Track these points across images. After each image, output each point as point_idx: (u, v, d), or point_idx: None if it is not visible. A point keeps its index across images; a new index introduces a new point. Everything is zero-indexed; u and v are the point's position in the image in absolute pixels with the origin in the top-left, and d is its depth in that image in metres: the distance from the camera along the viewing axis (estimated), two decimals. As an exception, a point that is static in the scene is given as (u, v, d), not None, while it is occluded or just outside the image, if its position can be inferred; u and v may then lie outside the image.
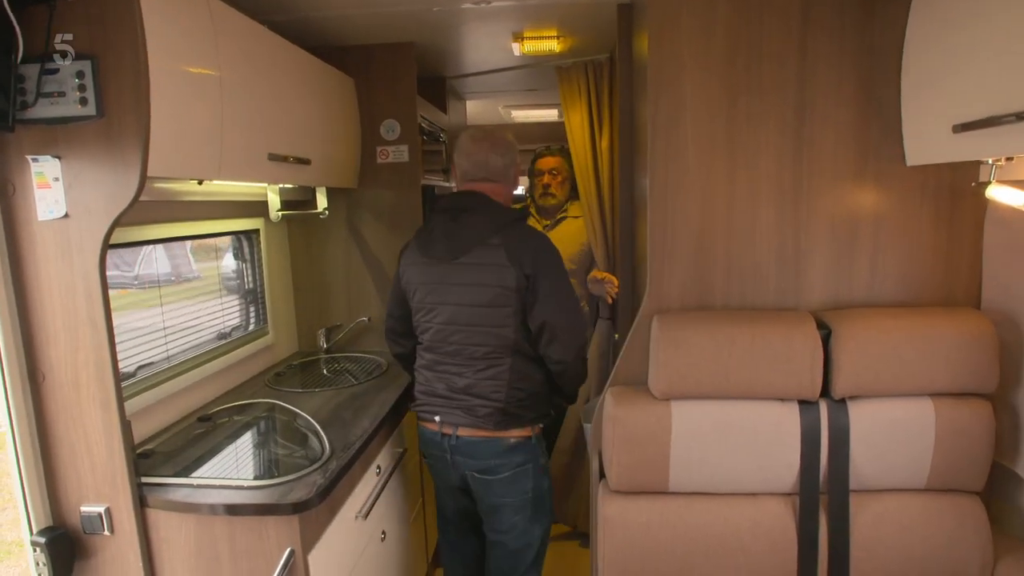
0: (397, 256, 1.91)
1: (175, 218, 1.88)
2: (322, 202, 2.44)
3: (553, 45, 2.50)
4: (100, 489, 1.40)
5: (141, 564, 1.41)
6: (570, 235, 2.76)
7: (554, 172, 2.80)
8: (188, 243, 2.09)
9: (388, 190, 2.57)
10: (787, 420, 1.56)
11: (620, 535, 1.60)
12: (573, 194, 2.77)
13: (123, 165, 1.27)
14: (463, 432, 1.77)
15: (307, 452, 1.64)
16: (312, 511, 1.41)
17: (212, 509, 1.39)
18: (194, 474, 1.50)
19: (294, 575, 1.39)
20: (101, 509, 1.40)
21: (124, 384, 1.62)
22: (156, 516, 1.42)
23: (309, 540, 1.42)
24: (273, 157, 1.78)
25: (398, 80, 2.49)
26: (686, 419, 1.57)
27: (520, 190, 4.59)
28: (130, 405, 1.59)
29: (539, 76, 3.08)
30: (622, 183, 2.24)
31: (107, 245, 1.31)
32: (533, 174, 2.86)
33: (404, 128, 2.52)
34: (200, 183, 1.72)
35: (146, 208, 1.72)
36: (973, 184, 1.59)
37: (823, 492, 1.57)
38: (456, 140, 1.87)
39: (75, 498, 1.41)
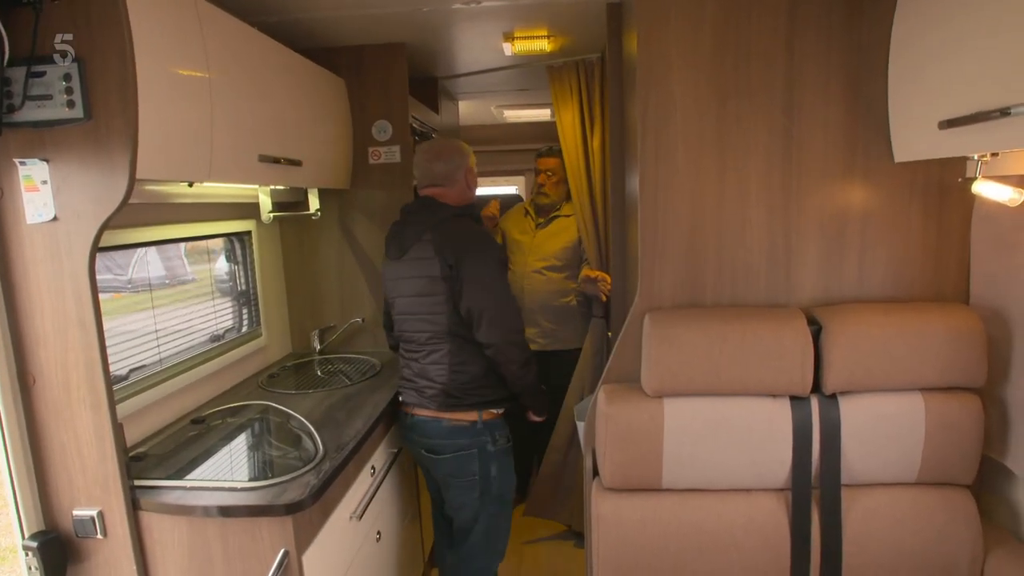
0: None
1: (166, 220, 1.87)
2: (314, 203, 2.44)
3: (544, 45, 2.50)
4: (92, 492, 1.39)
5: (135, 567, 1.41)
6: (558, 233, 2.84)
7: (550, 173, 2.88)
8: (182, 246, 2.08)
9: (380, 191, 2.57)
10: (779, 416, 1.57)
11: (614, 532, 1.61)
12: (568, 197, 2.81)
13: (111, 168, 1.26)
14: (416, 412, 1.95)
15: (300, 453, 1.64)
16: (305, 512, 1.41)
17: (205, 511, 1.39)
18: (187, 476, 1.50)
19: (288, 576, 1.39)
20: (93, 512, 1.39)
21: (117, 387, 1.62)
22: (149, 519, 1.42)
23: (303, 541, 1.42)
24: (264, 159, 1.78)
25: (389, 81, 2.50)
26: (678, 416, 1.58)
27: (514, 189, 4.62)
28: (123, 408, 1.59)
29: (530, 76, 3.09)
30: (613, 182, 2.25)
31: (96, 248, 1.31)
32: (535, 172, 2.95)
33: (396, 129, 2.52)
34: (190, 185, 1.72)
35: (136, 211, 1.71)
36: (960, 180, 1.61)
37: (815, 487, 1.58)
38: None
39: (67, 502, 1.40)
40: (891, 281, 1.68)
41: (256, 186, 2.23)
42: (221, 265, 2.31)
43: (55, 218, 1.29)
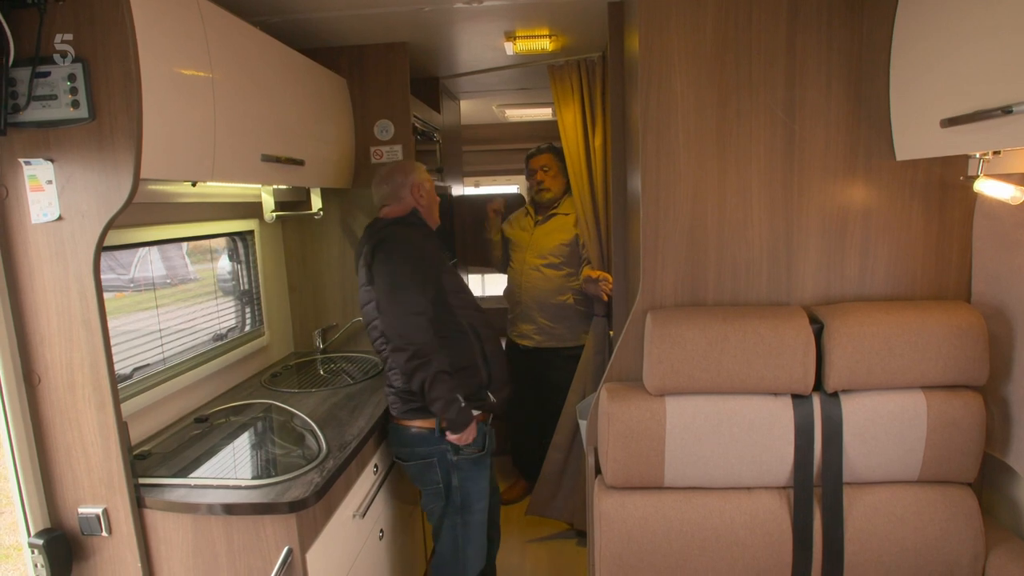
0: None
1: (169, 220, 1.88)
2: (316, 202, 2.44)
3: (545, 44, 2.50)
4: (97, 490, 1.40)
5: (139, 565, 1.42)
6: (555, 231, 2.86)
7: (545, 168, 2.90)
8: (184, 245, 2.09)
9: (383, 190, 2.57)
10: (781, 414, 1.57)
11: (616, 530, 1.61)
12: (569, 189, 2.82)
13: (116, 167, 1.27)
14: (391, 419, 1.97)
15: (304, 451, 1.65)
16: (309, 510, 1.42)
17: (210, 509, 1.40)
18: (191, 474, 1.51)
19: (292, 573, 1.40)
20: (99, 510, 1.40)
21: (121, 386, 1.63)
22: (154, 517, 1.43)
23: (307, 539, 1.43)
24: (266, 158, 1.78)
25: (391, 80, 2.50)
26: (680, 414, 1.58)
27: (515, 188, 4.62)
28: (127, 407, 1.60)
29: (532, 75, 3.09)
30: (615, 181, 2.25)
31: (101, 247, 1.32)
32: (528, 174, 2.97)
33: (398, 128, 2.53)
34: (194, 185, 1.73)
35: (140, 210, 1.72)
36: (962, 178, 1.61)
37: (817, 485, 1.58)
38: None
39: (72, 500, 1.41)
40: (893, 279, 1.69)
41: (259, 186, 2.24)
42: (224, 264, 2.32)
43: (60, 218, 1.30)
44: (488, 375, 1.95)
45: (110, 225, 1.30)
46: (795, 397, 1.59)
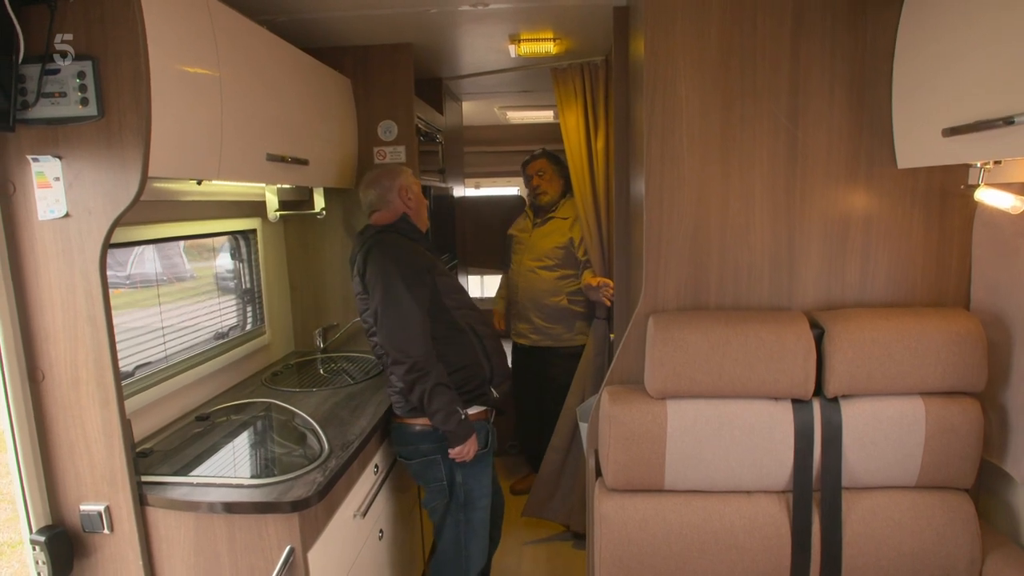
0: None
1: (172, 218, 1.88)
2: (319, 202, 2.45)
3: (549, 47, 2.52)
4: (99, 488, 1.40)
5: (141, 562, 1.42)
6: (550, 233, 2.92)
7: (540, 172, 2.98)
8: (180, 243, 2.08)
9: (385, 191, 2.58)
10: (781, 418, 1.58)
11: (617, 533, 1.62)
12: (570, 192, 2.87)
13: (124, 165, 1.27)
14: (394, 419, 1.99)
15: (305, 451, 1.65)
16: (311, 509, 1.42)
17: (212, 507, 1.40)
18: (193, 473, 1.51)
19: (294, 573, 1.40)
20: (101, 508, 1.40)
21: (123, 383, 1.62)
22: (156, 514, 1.43)
23: (308, 538, 1.43)
24: (271, 157, 1.78)
25: (395, 81, 2.51)
26: (681, 417, 1.59)
27: (515, 190, 4.63)
28: (128, 404, 1.59)
29: (534, 78, 3.10)
30: (618, 185, 2.26)
31: (108, 244, 1.32)
32: (526, 180, 3.05)
33: (401, 129, 2.53)
34: (199, 183, 1.73)
35: (143, 208, 1.71)
36: (962, 187, 1.62)
37: (816, 489, 1.60)
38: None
39: (74, 497, 1.41)
40: (893, 285, 1.70)
41: (262, 185, 2.24)
42: (222, 263, 2.32)
43: (67, 214, 1.30)
44: (490, 370, 1.97)
45: (117, 222, 1.31)
46: (795, 402, 1.60)
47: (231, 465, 1.61)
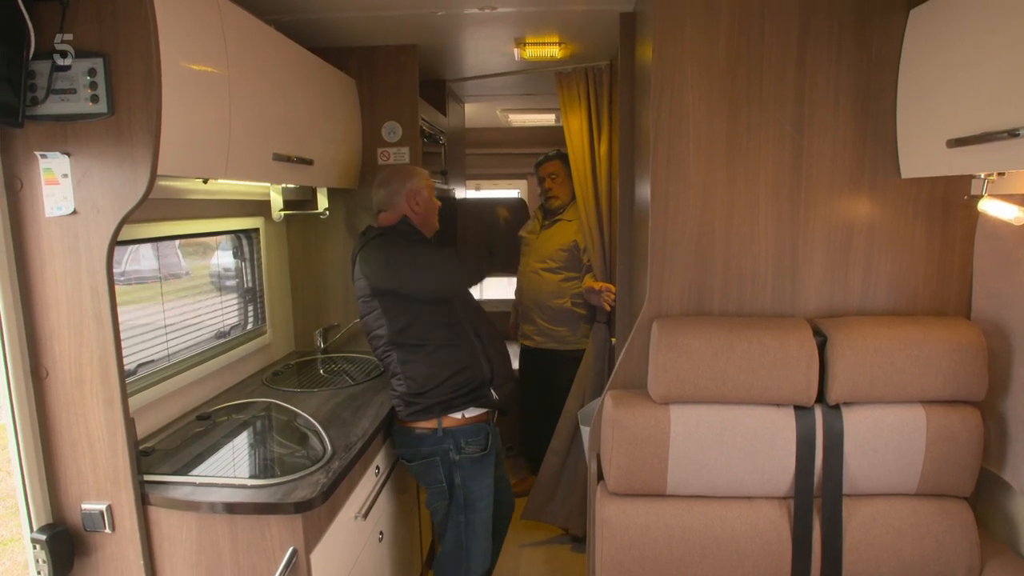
0: None
1: (175, 216, 1.87)
2: (323, 202, 2.44)
3: (554, 51, 2.53)
4: (102, 486, 1.40)
5: (142, 562, 1.41)
6: (556, 236, 2.93)
7: (553, 176, 2.97)
8: (176, 240, 2.07)
9: (388, 191, 2.58)
10: (783, 425, 1.59)
11: (618, 537, 1.62)
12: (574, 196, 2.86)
13: (133, 163, 1.27)
14: (396, 421, 2.00)
15: (308, 452, 1.65)
16: (315, 511, 1.41)
17: (214, 507, 1.39)
18: (196, 472, 1.50)
19: (296, 574, 1.39)
20: (102, 506, 1.39)
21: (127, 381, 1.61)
22: (157, 514, 1.42)
23: (311, 540, 1.43)
24: (277, 157, 1.78)
25: (400, 82, 2.51)
26: (684, 423, 1.60)
27: (517, 193, 4.64)
28: (131, 403, 1.58)
29: (537, 81, 3.11)
30: (622, 189, 2.27)
31: (115, 242, 1.32)
32: (538, 181, 3.05)
33: (405, 130, 2.53)
34: (205, 182, 1.73)
35: (147, 205, 1.69)
36: (965, 197, 1.64)
37: (817, 496, 1.60)
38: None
39: (76, 495, 1.40)
40: (895, 294, 1.71)
41: (267, 184, 2.24)
42: (221, 261, 2.31)
43: (74, 212, 1.30)
44: (491, 372, 1.97)
45: (125, 220, 1.30)
46: (797, 408, 1.61)
47: (233, 465, 1.60)
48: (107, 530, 1.41)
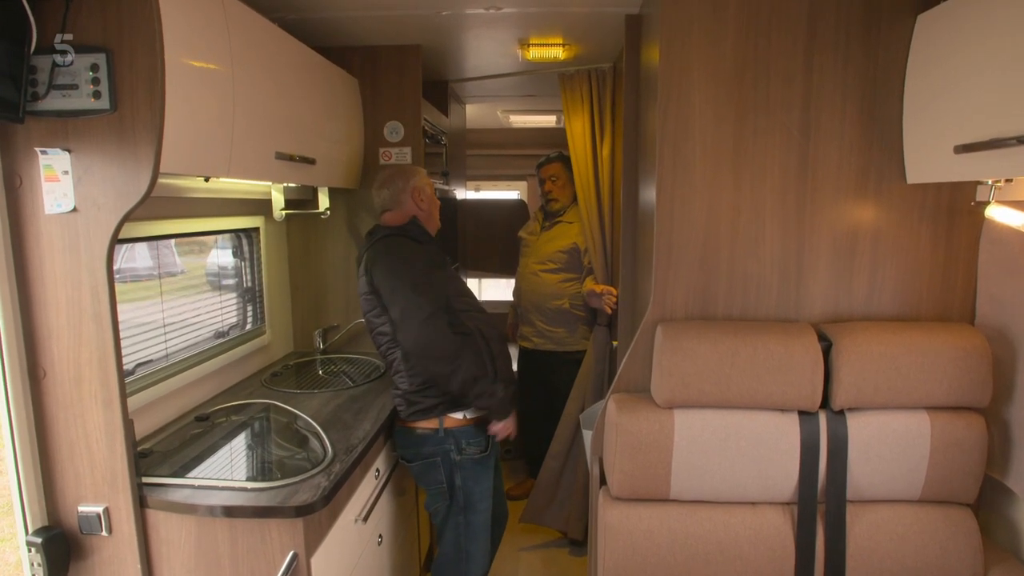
0: None
1: (176, 215, 1.85)
2: (324, 202, 2.43)
3: (558, 52, 2.52)
4: (99, 489, 1.37)
5: (139, 565, 1.39)
6: (556, 237, 2.93)
7: (554, 178, 2.97)
8: (172, 241, 2.04)
9: (390, 192, 2.56)
10: (787, 430, 1.58)
11: (621, 542, 1.61)
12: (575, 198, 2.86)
13: (135, 160, 1.25)
14: (397, 422, 1.99)
15: (308, 454, 1.63)
16: (316, 514, 1.40)
17: (214, 511, 1.37)
18: (194, 475, 1.48)
19: (296, 578, 1.38)
20: (99, 509, 1.37)
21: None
22: (156, 517, 1.40)
23: (312, 543, 1.41)
24: (280, 156, 1.77)
25: (403, 82, 2.49)
26: (688, 427, 1.59)
27: (516, 194, 4.63)
28: (129, 403, 1.57)
29: (538, 82, 3.10)
30: (626, 192, 2.26)
31: (116, 241, 1.30)
32: (539, 183, 3.05)
33: (408, 130, 2.52)
34: (206, 180, 1.71)
35: (147, 203, 1.68)
36: (972, 204, 1.64)
37: (820, 502, 1.60)
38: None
39: (73, 497, 1.38)
40: (899, 299, 1.71)
41: (268, 183, 2.22)
42: (218, 259, 2.29)
43: (75, 209, 1.28)
44: (494, 373, 1.95)
45: (126, 218, 1.28)
46: (802, 414, 1.60)
47: (233, 468, 1.58)
48: (104, 533, 1.38)
